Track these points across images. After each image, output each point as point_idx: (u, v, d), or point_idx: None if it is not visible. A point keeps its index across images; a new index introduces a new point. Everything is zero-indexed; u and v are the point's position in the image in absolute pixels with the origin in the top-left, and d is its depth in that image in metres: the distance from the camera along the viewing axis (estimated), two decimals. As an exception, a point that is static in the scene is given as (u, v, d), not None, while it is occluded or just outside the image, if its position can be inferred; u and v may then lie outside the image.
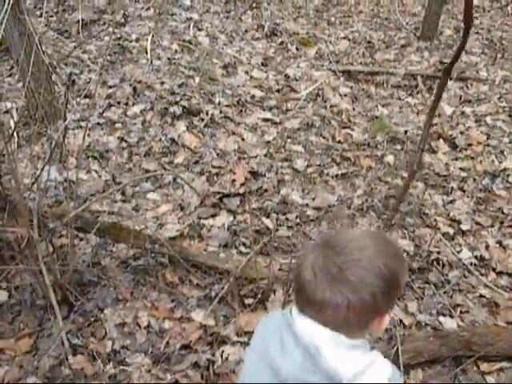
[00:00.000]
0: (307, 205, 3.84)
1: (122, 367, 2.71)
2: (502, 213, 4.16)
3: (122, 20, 5.73)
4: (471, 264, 3.64)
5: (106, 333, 2.87)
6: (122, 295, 3.07)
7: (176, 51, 5.40)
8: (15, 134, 3.83)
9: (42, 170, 2.84)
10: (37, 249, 2.70)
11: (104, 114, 4.34)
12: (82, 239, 3.36)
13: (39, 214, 2.78)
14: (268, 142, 4.44)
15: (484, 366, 3.05)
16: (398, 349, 2.85)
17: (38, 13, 5.47)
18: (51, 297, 2.79)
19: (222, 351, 2.81)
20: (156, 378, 2.67)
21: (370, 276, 1.16)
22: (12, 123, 3.97)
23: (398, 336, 2.96)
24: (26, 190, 2.99)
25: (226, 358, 2.77)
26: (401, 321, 3.19)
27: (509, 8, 7.37)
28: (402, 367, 2.82)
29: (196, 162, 4.14)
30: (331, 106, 5.10)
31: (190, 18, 6.05)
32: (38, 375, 2.62)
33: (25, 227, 2.60)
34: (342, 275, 1.15)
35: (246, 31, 6.09)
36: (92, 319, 2.93)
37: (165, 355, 2.77)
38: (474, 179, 4.40)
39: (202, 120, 4.52)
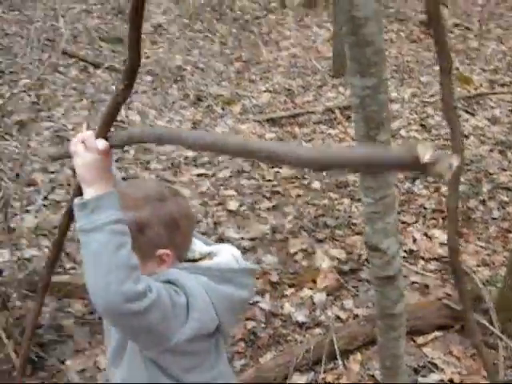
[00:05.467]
0: (242, 238, 4.18)
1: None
2: (424, 208, 4.55)
3: (59, 114, 6.16)
4: (401, 257, 3.97)
5: (68, 380, 3.13)
6: (80, 346, 3.35)
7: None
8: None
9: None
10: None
11: (48, 197, 4.70)
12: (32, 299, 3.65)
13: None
14: (202, 192, 4.81)
15: (420, 340, 3.35)
16: (332, 337, 3.15)
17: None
18: (13, 358, 3.06)
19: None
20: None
21: None
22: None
23: (331, 325, 3.27)
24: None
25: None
26: (337, 317, 3.50)
27: (414, 36, 8.04)
28: (338, 353, 3.11)
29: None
30: (260, 151, 5.52)
31: (121, 101, 6.51)
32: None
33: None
34: None
35: (174, 102, 6.57)
36: (54, 371, 3.19)
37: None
38: (396, 185, 4.79)
39: (141, 185, 4.89)
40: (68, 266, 3.99)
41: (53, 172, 5.05)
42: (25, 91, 6.00)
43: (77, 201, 1.31)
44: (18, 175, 4.77)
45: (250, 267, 1.60)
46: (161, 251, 1.47)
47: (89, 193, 1.29)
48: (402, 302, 2.02)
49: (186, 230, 1.54)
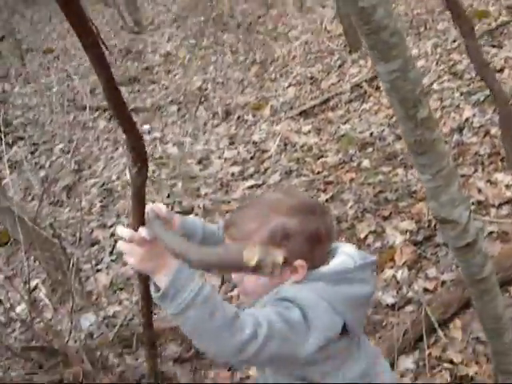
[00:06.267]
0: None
1: None
2: (480, 155, 4.44)
3: (100, 169, 6.29)
4: (471, 211, 3.87)
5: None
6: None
7: (153, 171, 5.90)
8: (48, 301, 4.29)
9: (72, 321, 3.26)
10: (96, 379, 3.07)
11: (114, 251, 4.80)
12: (137, 359, 3.72)
13: (85, 351, 3.17)
14: (258, 203, 4.81)
15: (512, 289, 3.26)
16: (425, 311, 3.10)
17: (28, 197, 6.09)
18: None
19: None
20: None
21: None
22: (43, 295, 4.43)
23: (422, 299, 3.22)
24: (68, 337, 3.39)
25: None
26: (425, 289, 3.44)
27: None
28: (436, 325, 3.06)
29: (206, 250, 4.52)
30: (301, 147, 5.50)
31: (155, 138, 6.61)
32: None
33: (77, 365, 3.00)
34: None
35: (205, 124, 6.62)
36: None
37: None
38: (446, 141, 4.69)
39: (197, 215, 4.93)
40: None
41: (111, 226, 5.15)
42: (62, 156, 6.12)
43: (155, 294, 1.33)
44: (80, 239, 4.88)
45: (367, 261, 1.59)
46: (298, 262, 1.48)
47: (160, 280, 1.30)
48: (489, 263, 1.97)
49: (326, 247, 1.56)
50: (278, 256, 0.92)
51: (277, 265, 0.85)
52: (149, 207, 1.51)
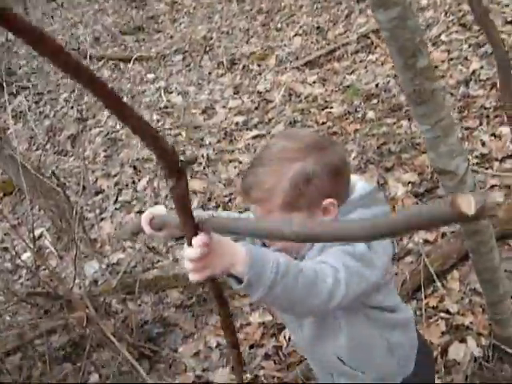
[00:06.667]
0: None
1: (209, 386, 3.09)
2: (485, 108, 4.40)
3: (104, 118, 6.27)
4: (475, 164, 3.88)
5: (185, 366, 3.26)
6: (187, 332, 3.47)
7: (158, 120, 5.89)
8: (53, 249, 4.34)
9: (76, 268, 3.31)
10: (100, 324, 3.14)
11: (118, 199, 4.83)
12: (140, 305, 3.79)
13: (89, 297, 3.24)
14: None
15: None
16: (424, 262, 3.13)
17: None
18: (129, 358, 3.20)
19: (284, 335, 3.16)
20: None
21: None
22: (48, 243, 4.49)
23: (421, 250, 3.25)
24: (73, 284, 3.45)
25: (289, 338, 3.11)
26: (425, 240, 3.47)
27: None
28: (434, 276, 3.10)
29: (209, 199, 4.55)
30: (306, 97, 5.47)
31: (159, 87, 6.57)
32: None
33: (81, 310, 3.06)
34: None
35: (210, 73, 6.57)
36: (170, 361, 3.33)
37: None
38: (451, 93, 4.65)
39: (200, 164, 4.95)
40: (155, 260, 4.11)
41: (115, 175, 5.17)
42: (66, 106, 6.10)
43: (238, 286, 1.23)
44: (84, 187, 4.90)
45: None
46: (327, 201, 1.45)
47: (238, 272, 1.21)
48: (485, 215, 1.97)
49: (347, 178, 1.52)
50: (496, 197, 0.82)
51: (496, 206, 0.77)
52: (148, 214, 1.50)
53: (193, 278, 1.16)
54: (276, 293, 1.23)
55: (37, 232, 4.73)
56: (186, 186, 1.02)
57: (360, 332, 1.58)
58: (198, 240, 1.12)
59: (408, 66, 1.47)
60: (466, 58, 5.05)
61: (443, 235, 3.45)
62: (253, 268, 1.20)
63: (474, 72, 4.82)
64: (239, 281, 1.22)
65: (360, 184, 1.53)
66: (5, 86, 5.80)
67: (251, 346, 3.19)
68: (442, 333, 2.86)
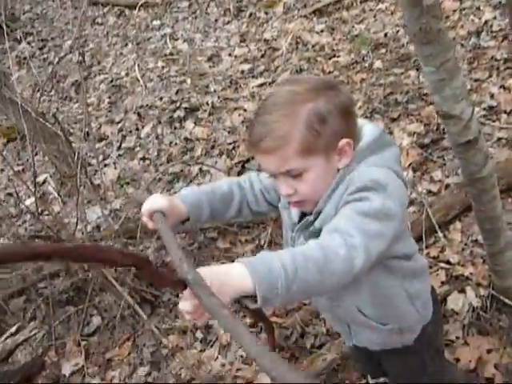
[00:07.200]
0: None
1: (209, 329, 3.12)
2: (496, 60, 4.31)
3: (109, 65, 6.20)
4: (482, 116, 3.82)
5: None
6: (189, 276, 3.49)
7: (163, 67, 5.82)
8: (57, 195, 4.35)
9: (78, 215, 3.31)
10: (101, 268, 3.16)
11: (122, 146, 4.81)
12: (142, 250, 3.81)
13: (91, 242, 3.25)
14: (267, 101, 4.76)
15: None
16: (427, 212, 3.11)
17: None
18: (131, 302, 3.23)
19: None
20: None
21: None
22: (51, 189, 4.49)
23: (424, 200, 3.22)
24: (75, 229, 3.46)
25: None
26: (429, 191, 3.44)
27: None
28: (436, 226, 3.08)
29: (213, 147, 4.52)
30: (313, 46, 5.37)
31: (165, 34, 6.47)
32: (144, 364, 3.07)
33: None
34: None
35: (216, 20, 6.45)
36: (171, 306, 3.36)
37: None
38: (462, 44, 4.56)
39: (205, 111, 4.90)
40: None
41: (119, 122, 5.14)
42: (71, 52, 6.02)
43: (255, 305, 1.17)
44: (87, 133, 4.88)
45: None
46: (343, 141, 1.40)
47: (249, 291, 1.15)
48: (489, 163, 1.95)
49: (355, 117, 1.47)
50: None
51: None
52: (148, 204, 1.49)
53: (197, 322, 1.19)
54: (293, 292, 1.18)
55: (41, 178, 4.74)
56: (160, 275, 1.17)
57: (381, 284, 1.55)
58: (188, 294, 1.12)
59: (414, 3, 1.42)
60: (478, 8, 4.93)
61: (447, 187, 3.43)
62: (262, 283, 1.14)
63: (486, 22, 4.70)
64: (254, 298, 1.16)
65: (368, 126, 1.49)
66: (4, 29, 5.71)
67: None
68: (442, 283, 2.85)
